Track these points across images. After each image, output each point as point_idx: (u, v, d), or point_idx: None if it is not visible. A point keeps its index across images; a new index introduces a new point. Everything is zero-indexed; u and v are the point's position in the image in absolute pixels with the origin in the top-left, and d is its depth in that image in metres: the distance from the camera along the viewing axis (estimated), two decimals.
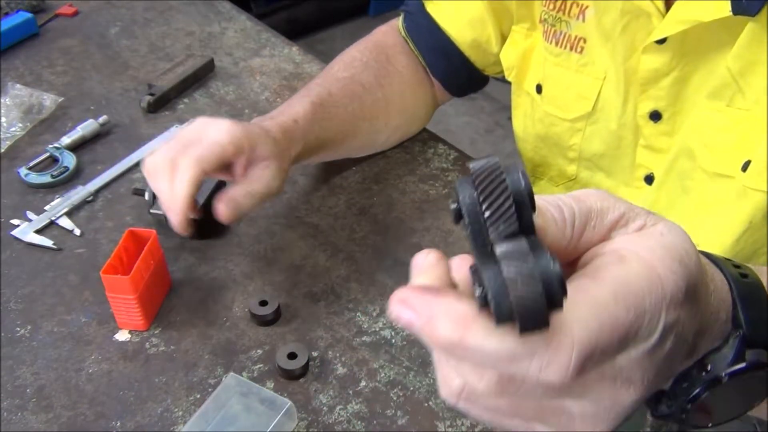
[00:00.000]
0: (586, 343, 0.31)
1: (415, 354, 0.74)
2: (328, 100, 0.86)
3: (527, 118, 0.94)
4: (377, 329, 0.76)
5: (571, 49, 0.83)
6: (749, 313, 0.40)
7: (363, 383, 0.72)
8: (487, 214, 0.29)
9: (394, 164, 0.96)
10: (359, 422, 0.68)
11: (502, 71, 0.94)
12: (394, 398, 0.70)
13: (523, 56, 0.91)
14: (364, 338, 0.76)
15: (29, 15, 1.17)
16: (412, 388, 0.71)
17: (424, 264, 0.35)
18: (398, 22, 0.98)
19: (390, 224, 0.88)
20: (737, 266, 0.42)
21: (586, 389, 0.34)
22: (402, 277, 0.81)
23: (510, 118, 0.97)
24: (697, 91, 0.75)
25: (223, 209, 0.71)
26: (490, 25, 0.91)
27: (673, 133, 0.79)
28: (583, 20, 0.81)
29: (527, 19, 0.89)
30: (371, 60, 0.93)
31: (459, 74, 0.96)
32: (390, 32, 0.98)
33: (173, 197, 0.69)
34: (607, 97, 0.83)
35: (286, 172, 0.77)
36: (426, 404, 0.70)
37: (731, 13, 0.67)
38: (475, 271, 0.30)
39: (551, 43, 0.85)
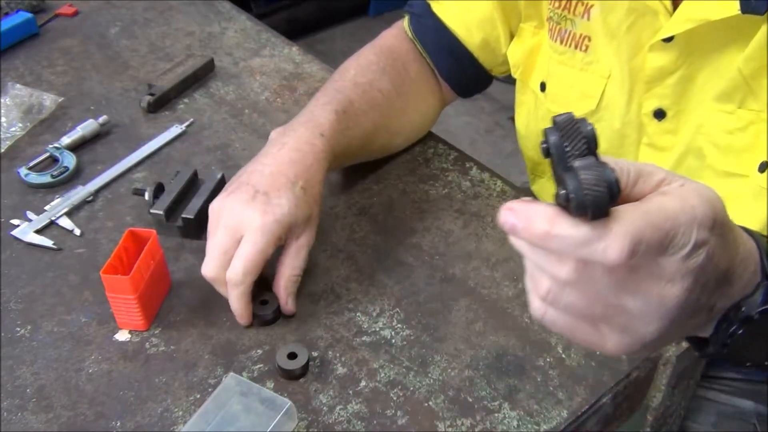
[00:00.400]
0: (635, 233, 0.42)
1: (415, 354, 0.74)
2: (350, 108, 0.85)
3: (530, 116, 0.94)
4: (377, 329, 0.76)
5: (575, 47, 0.84)
6: None
7: (363, 383, 0.72)
8: (567, 147, 0.43)
9: (394, 164, 0.96)
10: (359, 422, 0.68)
11: (508, 70, 0.94)
12: (394, 398, 0.70)
13: (529, 54, 0.91)
14: (364, 338, 0.76)
15: (29, 15, 1.17)
16: (412, 388, 0.71)
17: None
18: (404, 23, 0.98)
19: (390, 224, 0.88)
20: (765, 236, 0.53)
21: (639, 285, 0.44)
22: (402, 277, 0.82)
23: (510, 118, 0.98)
24: (703, 90, 0.76)
25: (289, 304, 0.76)
26: (500, 24, 0.91)
27: (677, 131, 0.79)
28: (588, 19, 0.81)
29: (535, 18, 0.89)
30: (388, 66, 0.92)
31: (466, 74, 0.96)
32: (400, 36, 0.97)
33: (232, 308, 0.75)
34: (611, 95, 0.83)
35: (318, 206, 0.78)
36: (426, 404, 0.70)
37: (740, 12, 0.67)
38: (557, 194, 0.43)
39: (556, 41, 0.85)
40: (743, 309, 0.50)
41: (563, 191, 0.42)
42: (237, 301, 0.74)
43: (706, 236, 0.44)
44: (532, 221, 0.43)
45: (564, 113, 0.44)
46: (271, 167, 0.76)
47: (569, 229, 0.42)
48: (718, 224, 0.45)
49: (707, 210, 0.44)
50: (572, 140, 0.43)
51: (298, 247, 0.76)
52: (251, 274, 0.72)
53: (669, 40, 0.74)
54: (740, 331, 0.51)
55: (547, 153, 0.44)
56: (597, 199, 0.41)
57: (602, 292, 0.45)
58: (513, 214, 0.44)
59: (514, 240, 0.46)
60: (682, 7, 0.73)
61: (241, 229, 0.72)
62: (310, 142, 0.79)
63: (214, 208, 0.75)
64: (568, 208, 0.42)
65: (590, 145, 0.43)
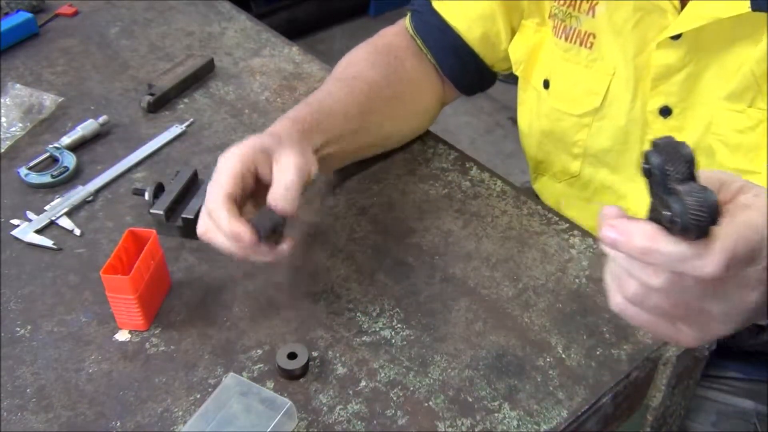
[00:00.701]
0: (730, 250, 0.46)
1: (415, 354, 0.74)
2: (327, 99, 0.84)
3: (533, 114, 0.94)
4: (377, 329, 0.76)
5: (580, 44, 0.84)
6: None
7: (363, 383, 0.72)
8: (670, 169, 0.46)
9: (394, 164, 0.96)
10: (359, 422, 0.68)
11: (510, 67, 0.94)
12: (394, 398, 0.70)
13: (531, 51, 0.91)
14: (364, 338, 0.76)
15: (29, 15, 1.17)
16: (412, 388, 0.71)
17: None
18: (405, 21, 0.98)
19: (390, 224, 0.88)
20: None
21: (726, 292, 0.49)
22: (402, 277, 0.82)
23: (510, 118, 0.98)
24: (710, 88, 0.76)
25: (288, 205, 0.70)
26: (501, 20, 0.91)
27: (683, 129, 0.79)
28: (593, 16, 0.81)
29: (537, 15, 0.89)
30: (379, 60, 0.92)
31: (468, 71, 0.96)
32: (400, 33, 0.97)
33: (230, 238, 0.69)
34: (616, 92, 0.83)
35: (310, 153, 0.75)
36: (426, 404, 0.70)
37: (750, 9, 0.68)
38: (653, 210, 0.48)
39: (561, 38, 0.85)
40: None
41: (668, 213, 0.46)
42: (225, 224, 0.68)
43: None
44: (632, 237, 0.47)
45: (664, 136, 0.47)
46: None
47: (670, 246, 0.46)
48: None
49: None
50: (674, 163, 0.46)
51: (280, 165, 0.72)
52: (227, 187, 0.69)
53: (677, 37, 0.74)
54: None
55: (648, 174, 0.47)
56: (701, 223, 0.45)
57: (689, 298, 0.49)
58: (614, 230, 0.48)
59: (606, 248, 0.50)
60: (690, 5, 0.73)
61: (219, 162, 0.72)
62: (278, 126, 0.78)
63: None
64: (671, 228, 0.46)
65: (690, 167, 0.46)
